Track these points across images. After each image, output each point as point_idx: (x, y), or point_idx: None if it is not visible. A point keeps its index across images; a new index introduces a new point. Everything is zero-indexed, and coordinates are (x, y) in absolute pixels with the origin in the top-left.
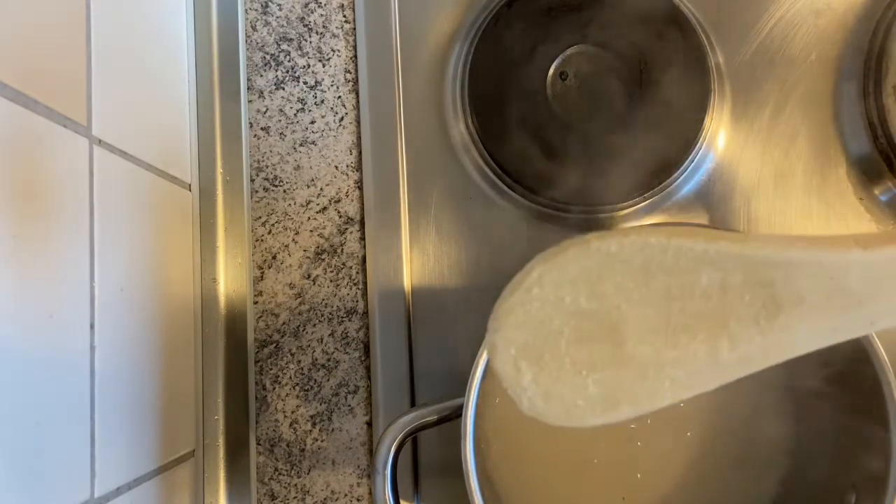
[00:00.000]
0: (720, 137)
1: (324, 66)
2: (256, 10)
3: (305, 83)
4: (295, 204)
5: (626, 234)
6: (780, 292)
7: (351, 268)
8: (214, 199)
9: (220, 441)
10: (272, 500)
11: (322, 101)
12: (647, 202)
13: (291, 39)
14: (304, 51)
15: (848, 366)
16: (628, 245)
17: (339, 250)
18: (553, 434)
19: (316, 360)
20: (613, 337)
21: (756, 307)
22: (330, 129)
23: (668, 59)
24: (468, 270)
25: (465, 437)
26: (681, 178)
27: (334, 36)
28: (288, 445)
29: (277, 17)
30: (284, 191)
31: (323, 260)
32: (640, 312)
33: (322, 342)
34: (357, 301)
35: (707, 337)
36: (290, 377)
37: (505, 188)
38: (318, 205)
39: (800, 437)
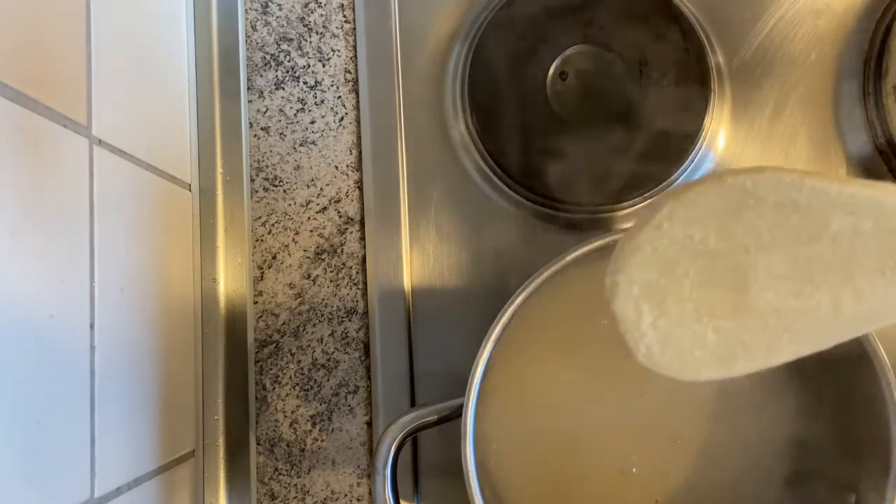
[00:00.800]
0: (720, 137)
1: (324, 66)
2: (256, 10)
3: (305, 83)
4: (295, 204)
5: (761, 171)
6: None
7: (351, 268)
8: (214, 199)
9: (220, 441)
10: (272, 500)
11: (322, 101)
12: (647, 202)
13: (291, 39)
14: (304, 51)
15: (848, 366)
16: (763, 181)
17: (339, 250)
18: (561, 433)
19: (316, 360)
20: (738, 283)
21: (882, 257)
22: (330, 129)
23: (668, 59)
24: (468, 270)
25: (465, 437)
26: (681, 178)
27: (334, 36)
28: (288, 445)
29: (277, 17)
30: (284, 191)
31: (323, 260)
32: (767, 257)
33: (322, 342)
34: (357, 301)
35: (832, 287)
36: (290, 377)
37: (505, 188)
38: (318, 205)
39: (800, 437)
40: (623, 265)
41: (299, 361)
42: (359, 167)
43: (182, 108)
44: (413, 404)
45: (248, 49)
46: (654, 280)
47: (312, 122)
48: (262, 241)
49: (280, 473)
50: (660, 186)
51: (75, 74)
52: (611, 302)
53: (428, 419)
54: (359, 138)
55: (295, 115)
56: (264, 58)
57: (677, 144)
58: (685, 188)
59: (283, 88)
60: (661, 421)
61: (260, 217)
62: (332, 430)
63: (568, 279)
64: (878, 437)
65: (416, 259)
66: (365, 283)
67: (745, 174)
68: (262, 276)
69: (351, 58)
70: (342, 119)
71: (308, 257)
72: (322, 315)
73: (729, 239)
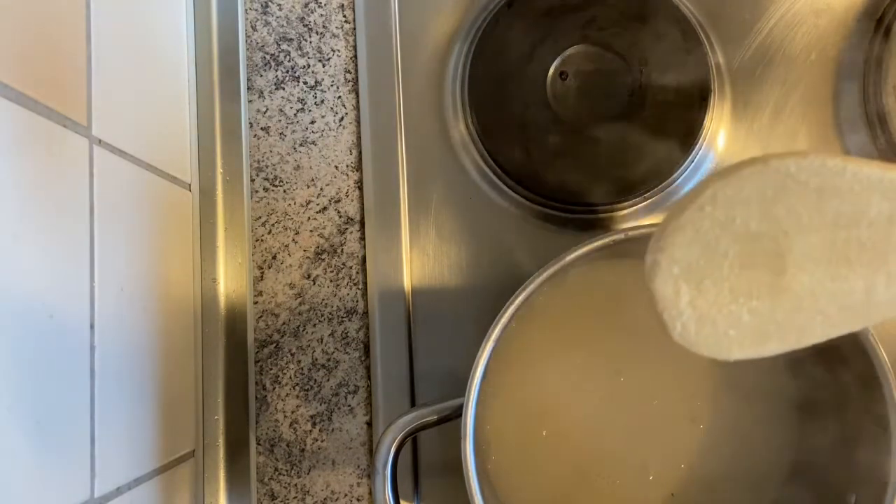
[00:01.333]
0: (720, 137)
1: (324, 66)
2: (256, 10)
3: (305, 83)
4: (295, 204)
5: (805, 156)
6: None
7: (351, 268)
8: (214, 199)
9: (220, 441)
10: (272, 500)
11: (322, 101)
12: (647, 202)
13: (291, 39)
14: (304, 51)
15: (848, 365)
16: (806, 166)
17: (339, 250)
18: (562, 433)
19: (316, 360)
20: (775, 265)
21: None
22: (330, 129)
23: (668, 59)
24: (468, 271)
25: (465, 437)
26: (681, 177)
27: (334, 36)
28: (288, 445)
29: (277, 17)
30: (284, 191)
31: (323, 260)
32: (805, 240)
33: (322, 342)
34: (357, 301)
35: (866, 272)
36: (290, 377)
37: (505, 188)
38: (318, 205)
39: (801, 437)
40: (665, 245)
41: (299, 361)
42: (359, 167)
43: (182, 108)
44: (413, 404)
45: (248, 49)
46: (693, 261)
47: (312, 122)
48: (262, 241)
49: (280, 473)
50: (660, 186)
51: (75, 74)
52: (650, 281)
53: (428, 419)
54: (359, 138)
55: (295, 115)
56: (264, 58)
57: (677, 144)
58: (730, 170)
59: (283, 88)
60: (662, 416)
61: (260, 217)
62: (332, 430)
63: (568, 279)
64: (878, 436)
65: (416, 259)
66: (365, 283)
67: (789, 158)
68: (262, 276)
69: (351, 58)
70: (342, 119)
71: (308, 257)
72: (322, 315)
73: (770, 222)
